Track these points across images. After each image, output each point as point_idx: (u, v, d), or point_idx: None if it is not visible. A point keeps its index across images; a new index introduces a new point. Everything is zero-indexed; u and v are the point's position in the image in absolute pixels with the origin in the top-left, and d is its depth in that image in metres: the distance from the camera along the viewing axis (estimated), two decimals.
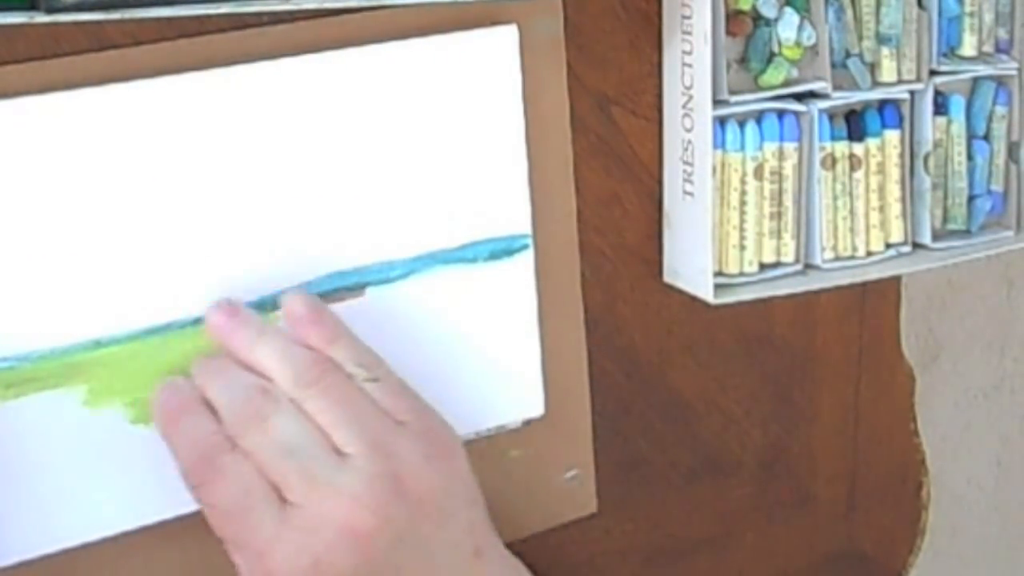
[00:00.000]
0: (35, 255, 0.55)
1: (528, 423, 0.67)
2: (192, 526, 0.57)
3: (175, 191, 0.57)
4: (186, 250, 0.58)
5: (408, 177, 0.61)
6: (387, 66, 0.60)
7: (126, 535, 0.59)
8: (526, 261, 0.65)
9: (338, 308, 0.60)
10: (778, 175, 0.68)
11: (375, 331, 0.61)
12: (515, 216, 0.64)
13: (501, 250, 0.64)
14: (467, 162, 0.62)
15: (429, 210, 0.62)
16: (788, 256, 0.69)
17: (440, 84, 0.61)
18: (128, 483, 0.58)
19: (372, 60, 0.60)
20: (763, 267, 0.69)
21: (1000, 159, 0.73)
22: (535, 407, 0.67)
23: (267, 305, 0.59)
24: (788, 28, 0.67)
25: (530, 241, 0.65)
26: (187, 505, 0.55)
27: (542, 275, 0.66)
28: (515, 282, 0.65)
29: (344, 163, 0.60)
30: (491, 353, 0.65)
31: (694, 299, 0.69)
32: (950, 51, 0.72)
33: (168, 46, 0.56)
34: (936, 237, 0.72)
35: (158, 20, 0.56)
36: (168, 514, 0.59)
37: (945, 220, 0.73)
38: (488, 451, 0.66)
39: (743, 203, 0.68)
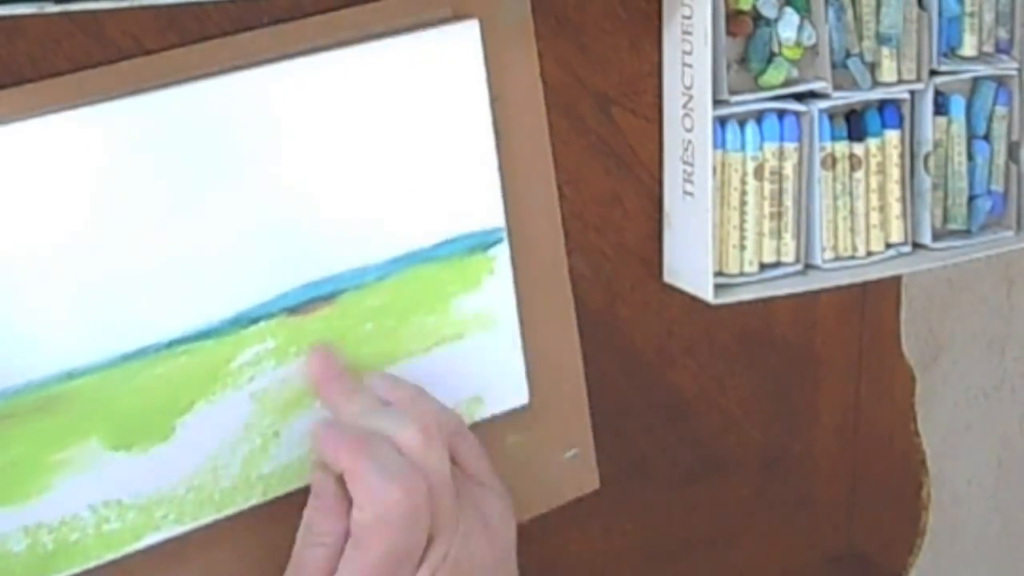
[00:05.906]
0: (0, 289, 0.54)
1: (513, 412, 0.67)
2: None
3: (141, 212, 0.56)
4: (157, 271, 0.56)
5: (379, 180, 0.61)
6: (350, 71, 0.59)
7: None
8: (502, 254, 0.65)
9: (314, 316, 0.60)
10: (778, 175, 0.68)
11: (352, 336, 0.61)
12: (488, 210, 0.64)
13: (476, 245, 0.64)
14: (436, 160, 0.62)
15: (401, 212, 0.62)
16: (788, 256, 0.69)
17: (404, 85, 0.61)
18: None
19: (335, 66, 0.59)
20: (763, 267, 0.69)
21: (1000, 159, 0.73)
22: (519, 396, 0.67)
23: (243, 321, 0.59)
24: (788, 28, 0.67)
25: (504, 234, 0.64)
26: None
27: (527, 260, 0.66)
28: (492, 275, 0.64)
29: (314, 172, 0.59)
30: (473, 345, 0.65)
31: (694, 299, 0.69)
32: (950, 51, 0.72)
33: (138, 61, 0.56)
34: (936, 237, 0.72)
35: (158, 22, 0.56)
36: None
37: (945, 220, 0.73)
38: (486, 439, 0.66)
39: (743, 203, 0.68)
